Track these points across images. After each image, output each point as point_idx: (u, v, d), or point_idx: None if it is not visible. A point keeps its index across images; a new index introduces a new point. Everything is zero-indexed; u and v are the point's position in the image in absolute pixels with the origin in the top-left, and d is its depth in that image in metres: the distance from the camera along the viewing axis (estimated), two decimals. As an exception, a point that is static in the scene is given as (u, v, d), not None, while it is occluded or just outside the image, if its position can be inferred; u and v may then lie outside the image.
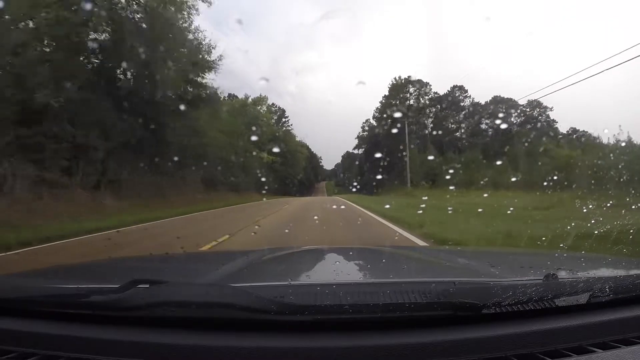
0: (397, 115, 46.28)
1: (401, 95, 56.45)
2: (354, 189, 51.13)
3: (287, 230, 8.64)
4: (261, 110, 62.16)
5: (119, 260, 2.38)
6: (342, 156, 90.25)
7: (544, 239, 4.88)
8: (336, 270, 1.63)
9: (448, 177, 34.07)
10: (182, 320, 0.97)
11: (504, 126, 51.54)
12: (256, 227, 9.58)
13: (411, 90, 57.18)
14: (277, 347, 0.90)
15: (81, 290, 1.07)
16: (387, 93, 57.28)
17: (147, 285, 1.01)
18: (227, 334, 0.94)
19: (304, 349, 0.90)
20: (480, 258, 1.96)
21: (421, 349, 0.89)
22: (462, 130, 55.91)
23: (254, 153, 45.55)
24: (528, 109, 52.64)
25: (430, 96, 57.54)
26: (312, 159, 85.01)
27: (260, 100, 62.67)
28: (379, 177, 44.04)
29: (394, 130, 44.50)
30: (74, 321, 1.01)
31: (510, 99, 51.47)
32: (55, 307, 1.04)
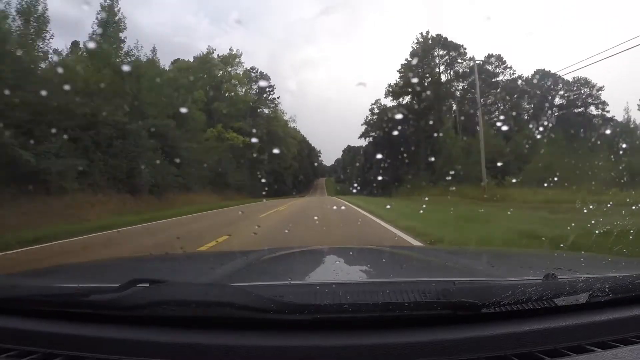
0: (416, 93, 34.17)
1: (430, 58, 42.05)
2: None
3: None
4: (232, 72, 42.41)
5: (119, 260, 2.39)
6: (343, 150, 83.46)
7: None
8: (336, 270, 1.64)
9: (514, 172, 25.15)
10: (182, 319, 0.97)
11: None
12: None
13: (441, 52, 42.57)
14: (276, 346, 0.90)
15: (81, 289, 1.07)
16: (408, 57, 43.61)
17: (147, 285, 1.01)
18: (226, 333, 0.94)
19: (303, 347, 0.90)
20: (480, 258, 1.96)
21: (421, 348, 0.89)
22: (500, 108, 44.88)
23: (208, 130, 29.37)
24: (574, 87, 43.99)
25: (465, 63, 42.70)
26: (311, 153, 75.10)
27: (232, 57, 41.53)
28: (399, 171, 34.70)
29: (417, 107, 33.24)
30: (73, 320, 1.01)
31: (555, 74, 42.08)
32: (55, 307, 1.04)
